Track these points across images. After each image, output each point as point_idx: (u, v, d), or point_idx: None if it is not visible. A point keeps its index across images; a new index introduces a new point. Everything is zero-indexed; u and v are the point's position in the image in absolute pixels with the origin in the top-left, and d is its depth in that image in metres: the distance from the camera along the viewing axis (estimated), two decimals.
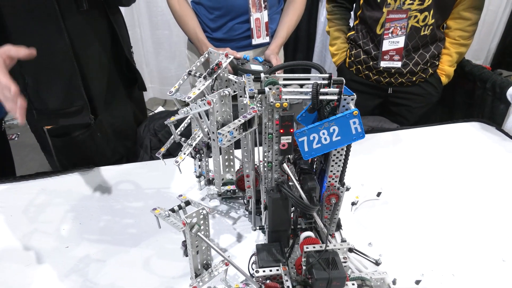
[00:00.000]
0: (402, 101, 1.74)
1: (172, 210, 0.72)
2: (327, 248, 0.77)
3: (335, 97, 0.74)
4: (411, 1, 1.51)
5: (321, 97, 0.74)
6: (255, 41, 1.55)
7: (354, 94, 0.75)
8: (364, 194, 1.14)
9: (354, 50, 1.73)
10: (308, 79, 0.78)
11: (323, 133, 0.75)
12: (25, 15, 1.06)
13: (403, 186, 1.19)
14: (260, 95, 0.73)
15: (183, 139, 0.95)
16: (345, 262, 0.78)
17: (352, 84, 1.76)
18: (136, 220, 1.08)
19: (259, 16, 1.51)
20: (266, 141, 0.79)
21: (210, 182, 1.13)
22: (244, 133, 0.68)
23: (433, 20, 1.54)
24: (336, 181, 0.86)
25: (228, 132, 0.65)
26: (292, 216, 0.90)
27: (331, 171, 0.84)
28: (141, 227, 1.05)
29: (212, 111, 0.63)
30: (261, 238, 1.01)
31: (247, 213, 1.09)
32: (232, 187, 1.11)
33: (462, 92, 1.86)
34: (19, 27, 1.07)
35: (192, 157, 1.01)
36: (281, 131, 0.73)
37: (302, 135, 0.74)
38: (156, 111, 1.69)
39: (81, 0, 1.12)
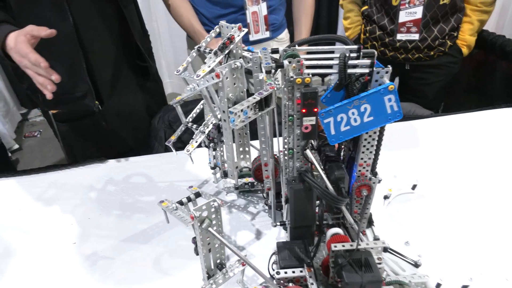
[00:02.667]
0: (420, 74, 1.66)
1: (180, 203, 0.64)
2: (359, 247, 0.67)
3: (366, 70, 0.63)
4: None
5: (349, 70, 0.63)
6: (252, 37, 1.43)
7: (389, 66, 0.63)
8: (398, 187, 1.02)
9: (368, 26, 1.64)
10: (333, 52, 0.67)
11: (353, 113, 0.64)
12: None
13: (441, 178, 1.06)
14: (278, 70, 0.63)
15: (194, 126, 0.86)
16: (379, 263, 0.68)
17: None
18: (148, 215, 1.00)
19: (256, 10, 1.40)
20: (286, 125, 0.69)
21: (226, 174, 1.04)
22: (260, 113, 0.58)
23: None
24: (367, 170, 0.75)
25: (242, 111, 0.56)
26: (317, 210, 0.79)
27: (362, 158, 0.73)
28: (153, 222, 0.98)
29: (222, 86, 0.54)
30: (283, 235, 0.91)
31: (266, 207, 0.99)
32: (250, 179, 1.02)
33: (501, 75, 1.71)
34: (21, 5, 1.03)
35: (205, 146, 0.93)
36: (303, 111, 0.63)
37: (327, 115, 0.64)
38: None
39: None
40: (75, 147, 1.34)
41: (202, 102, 0.88)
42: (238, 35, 0.70)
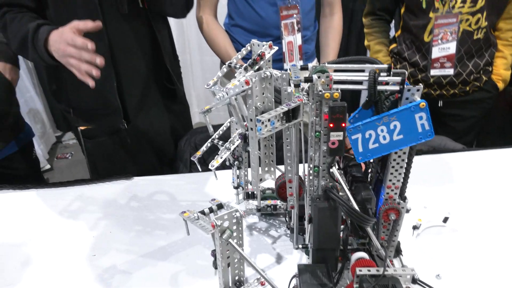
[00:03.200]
0: (454, 111, 1.62)
1: (203, 213, 0.63)
2: (386, 272, 0.63)
3: (397, 88, 0.62)
4: (462, 4, 1.40)
5: (379, 87, 0.63)
6: (286, 65, 1.46)
7: (421, 84, 0.62)
8: (428, 219, 0.97)
9: (399, 64, 1.62)
10: (363, 71, 0.67)
11: (382, 130, 0.63)
12: (68, 14, 1.07)
13: (475, 213, 1.00)
14: (307, 85, 0.63)
15: (220, 142, 0.87)
16: None
17: None
18: (168, 232, 0.99)
19: (291, 39, 1.44)
20: (313, 143, 0.68)
21: (249, 196, 1.03)
22: (287, 125, 0.58)
23: (486, 23, 1.44)
24: (395, 194, 0.72)
25: (269, 120, 0.56)
26: (341, 234, 0.76)
27: (390, 180, 0.70)
28: (172, 240, 0.96)
29: (250, 94, 0.54)
30: (304, 260, 0.88)
31: (288, 231, 0.96)
32: (273, 201, 1.00)
33: None
34: (59, 23, 1.10)
35: (230, 164, 0.92)
36: (331, 125, 0.62)
37: (356, 131, 0.63)
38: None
39: (122, 2, 1.12)
40: (100, 165, 1.37)
41: (229, 119, 0.88)
42: (269, 52, 0.72)
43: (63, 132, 3.49)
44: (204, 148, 0.87)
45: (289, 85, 0.64)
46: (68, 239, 0.99)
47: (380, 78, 0.62)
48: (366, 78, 0.62)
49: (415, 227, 0.92)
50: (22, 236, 1.00)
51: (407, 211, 0.97)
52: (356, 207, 0.67)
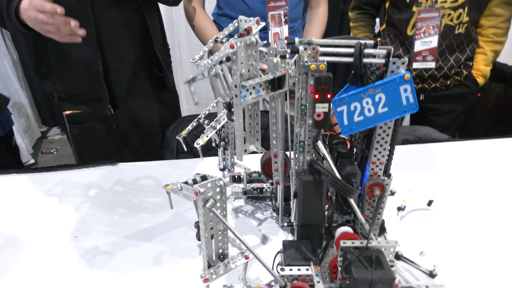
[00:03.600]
0: (435, 105, 1.65)
1: (186, 183, 0.62)
2: (370, 244, 0.63)
3: (382, 61, 0.63)
4: None
5: (365, 60, 0.63)
6: None
7: (406, 58, 0.63)
8: (412, 201, 0.98)
9: None
10: (350, 46, 0.67)
11: (367, 102, 0.63)
12: None
13: (459, 198, 1.02)
14: (295, 56, 0.63)
15: (206, 121, 0.86)
16: (392, 265, 0.63)
17: None
18: (152, 215, 0.98)
19: (278, 31, 1.44)
20: (299, 116, 0.68)
21: (235, 179, 1.02)
22: (272, 93, 0.58)
23: (467, 18, 1.47)
24: (380, 169, 0.72)
25: (254, 88, 0.55)
26: (326, 212, 0.76)
27: (375, 155, 0.70)
28: (156, 222, 0.95)
29: (235, 59, 0.54)
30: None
31: (274, 214, 0.96)
32: (259, 184, 1.00)
33: None
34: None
35: (215, 145, 0.92)
36: (316, 96, 0.62)
37: (341, 103, 0.63)
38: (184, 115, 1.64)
39: None
40: (85, 151, 1.36)
41: (216, 99, 0.88)
42: (256, 28, 0.71)
43: (49, 127, 3.43)
44: (189, 127, 0.86)
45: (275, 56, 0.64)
46: (49, 222, 0.96)
47: (366, 51, 0.62)
48: (352, 51, 0.62)
49: (399, 208, 0.92)
50: (2, 220, 0.98)
51: (392, 193, 0.99)
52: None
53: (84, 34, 0.97)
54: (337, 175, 0.67)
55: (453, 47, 1.54)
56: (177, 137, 0.85)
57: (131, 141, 1.39)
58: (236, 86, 0.55)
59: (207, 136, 0.81)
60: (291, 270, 0.67)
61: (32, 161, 2.97)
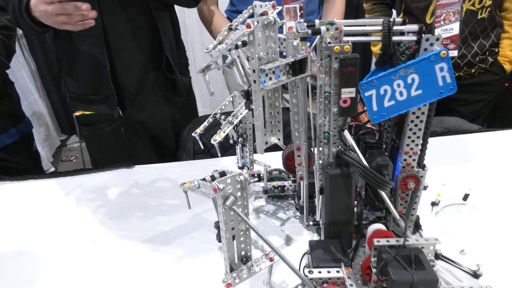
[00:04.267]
0: (460, 95, 1.54)
1: (204, 180, 0.58)
2: (407, 242, 0.57)
3: (414, 38, 0.57)
4: None
5: (394, 37, 0.57)
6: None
7: (441, 34, 0.57)
8: (446, 196, 0.91)
9: None
10: (375, 25, 0.62)
11: (398, 85, 0.57)
12: None
13: (496, 191, 0.94)
14: (317, 38, 0.58)
15: (223, 117, 0.82)
16: (433, 265, 0.57)
17: None
18: (170, 217, 0.94)
19: (293, 25, 1.38)
20: (322, 105, 0.63)
21: (255, 177, 0.97)
22: (293, 78, 0.53)
23: (490, 1, 1.38)
24: (414, 160, 0.66)
25: (273, 72, 0.50)
26: (355, 209, 0.71)
27: (408, 145, 0.64)
28: (175, 225, 0.91)
29: (252, 40, 0.49)
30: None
31: (298, 214, 0.91)
32: (281, 183, 0.94)
33: None
34: None
35: (233, 142, 0.87)
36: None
37: (369, 87, 0.57)
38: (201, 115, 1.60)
39: None
40: (97, 153, 1.34)
41: (232, 94, 0.83)
42: (272, 12, 0.67)
43: (68, 135, 3.47)
44: (206, 123, 0.82)
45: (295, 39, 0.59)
46: (66, 228, 0.94)
47: (395, 27, 0.57)
48: (380, 28, 0.57)
49: (434, 204, 0.86)
50: (21, 226, 0.96)
51: (425, 188, 0.91)
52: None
53: (95, 15, 0.96)
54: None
55: (477, 33, 1.46)
56: (193, 134, 0.81)
57: (142, 143, 1.35)
58: (254, 71, 0.50)
59: (224, 132, 0.77)
60: (320, 272, 0.61)
61: (53, 169, 3.00)
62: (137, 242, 0.87)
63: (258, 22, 0.49)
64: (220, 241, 0.57)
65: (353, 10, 2.76)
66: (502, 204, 0.89)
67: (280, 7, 0.67)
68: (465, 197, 0.91)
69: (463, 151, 1.14)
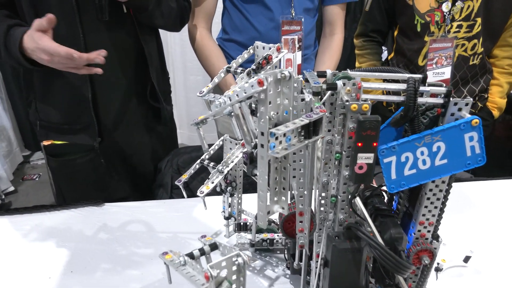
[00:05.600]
0: None
1: (191, 256, 0.48)
2: None
3: (441, 101, 0.50)
4: (458, 29, 1.35)
5: (420, 99, 0.50)
6: None
7: (470, 99, 0.51)
8: (448, 258, 0.84)
9: None
10: (397, 81, 0.55)
11: (422, 153, 0.50)
12: (44, 11, 0.94)
13: (499, 252, 0.89)
14: (328, 93, 0.50)
15: (211, 164, 0.72)
16: None
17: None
18: (143, 272, 0.82)
19: (291, 57, 1.33)
20: (331, 165, 0.55)
21: (241, 227, 0.87)
22: (306, 142, 0.44)
23: (482, 49, 1.39)
24: (429, 231, 0.59)
25: (284, 135, 0.42)
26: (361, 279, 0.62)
27: (424, 215, 0.57)
28: (148, 282, 0.79)
29: (264, 99, 0.40)
30: None
31: (288, 272, 0.81)
32: (270, 235, 0.85)
33: None
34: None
35: (221, 190, 0.78)
36: (359, 144, 0.49)
37: (389, 153, 0.50)
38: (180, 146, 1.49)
39: (102, 9, 0.99)
40: (66, 187, 1.20)
41: (222, 137, 0.74)
42: (276, 56, 0.59)
43: (32, 151, 3.24)
44: (191, 170, 0.72)
45: (301, 93, 0.51)
46: (18, 281, 0.80)
47: (421, 88, 0.50)
48: (403, 87, 0.50)
49: (437, 269, 0.78)
50: None
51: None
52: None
53: (103, 62, 0.90)
54: (380, 241, 0.53)
55: (467, 79, 1.46)
56: (176, 183, 0.71)
57: (118, 176, 1.23)
58: (262, 134, 0.41)
59: (212, 183, 0.67)
60: None
61: (12, 188, 2.76)
62: None
63: (271, 76, 0.41)
64: None
65: (348, 45, 2.76)
66: (505, 267, 0.84)
67: (285, 51, 0.60)
68: (466, 259, 0.85)
69: (458, 201, 1.09)
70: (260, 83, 0.40)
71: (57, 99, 1.11)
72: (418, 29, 1.40)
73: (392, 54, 1.55)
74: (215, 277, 0.41)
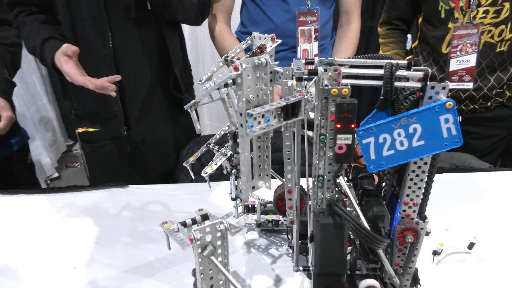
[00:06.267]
0: (474, 128, 1.49)
1: (184, 224, 0.54)
2: None
3: (418, 85, 0.53)
4: (484, 14, 1.30)
5: (397, 83, 0.53)
6: None
7: (447, 81, 0.53)
8: (450, 244, 0.85)
9: None
10: (379, 67, 0.58)
11: (399, 134, 0.53)
12: (73, 18, 1.05)
13: (505, 239, 0.88)
14: (314, 78, 0.54)
15: (216, 147, 0.78)
16: None
17: None
18: (158, 246, 0.90)
19: (307, 47, 1.35)
20: (317, 148, 0.59)
21: (249, 209, 0.93)
22: (284, 123, 0.49)
23: (510, 35, 1.34)
24: (414, 211, 0.61)
25: (263, 116, 0.47)
26: (349, 257, 0.66)
27: (408, 195, 0.60)
28: (162, 255, 0.87)
29: (240, 83, 0.45)
30: (307, 285, 0.77)
31: (290, 251, 0.86)
32: (275, 216, 0.90)
33: None
34: (64, 23, 1.09)
35: (227, 172, 0.84)
36: (338, 126, 0.53)
37: (367, 134, 0.53)
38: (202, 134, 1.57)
39: (129, 6, 1.08)
40: (98, 170, 1.32)
41: (228, 124, 0.80)
42: (271, 46, 0.64)
43: (74, 141, 3.48)
44: (198, 153, 0.79)
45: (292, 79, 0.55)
46: (49, 250, 0.90)
47: (398, 73, 0.53)
48: (382, 72, 0.53)
49: (435, 253, 0.80)
50: (5, 242, 0.93)
51: (427, 233, 0.86)
52: (367, 225, 0.56)
53: (114, 93, 1.04)
54: (362, 218, 0.57)
55: (494, 66, 1.41)
56: (184, 164, 0.78)
57: (144, 162, 1.33)
58: (241, 114, 0.46)
59: (216, 164, 0.73)
60: None
61: (56, 174, 3.00)
62: (120, 272, 0.83)
63: (248, 63, 0.46)
64: None
65: (365, 33, 2.73)
66: (509, 255, 0.83)
67: (279, 40, 0.64)
68: (471, 245, 0.85)
69: (471, 191, 1.08)
70: (236, 68, 0.45)
71: (88, 91, 1.22)
72: (442, 16, 1.37)
73: (416, 42, 1.53)
74: (198, 239, 0.47)
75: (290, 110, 0.49)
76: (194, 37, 2.92)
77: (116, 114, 1.22)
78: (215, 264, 0.49)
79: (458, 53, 1.43)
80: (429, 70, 0.54)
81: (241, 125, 0.47)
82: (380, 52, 1.63)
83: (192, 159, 0.79)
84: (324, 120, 0.57)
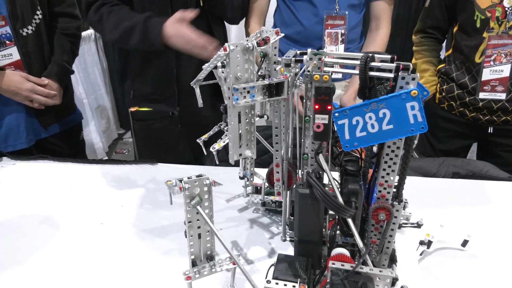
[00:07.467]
0: (505, 140, 1.45)
1: (181, 180, 0.64)
2: (360, 270, 0.59)
3: (390, 75, 0.59)
4: None
5: (371, 73, 0.60)
6: None
7: (417, 74, 0.59)
8: (442, 238, 0.88)
9: (446, 85, 1.51)
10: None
11: (370, 118, 0.60)
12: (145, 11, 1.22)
13: (503, 242, 0.89)
14: (304, 66, 0.63)
15: (226, 127, 0.88)
16: None
17: (442, 123, 1.56)
18: (173, 213, 1.02)
19: (333, 49, 1.40)
20: (304, 128, 0.67)
21: (257, 190, 1.02)
22: (267, 99, 0.58)
23: None
24: (388, 193, 0.67)
25: (248, 92, 0.56)
26: (330, 231, 0.73)
27: (383, 177, 0.66)
28: (175, 221, 0.99)
29: (228, 62, 0.55)
30: None
31: (288, 230, 0.94)
32: (278, 198, 0.98)
33: None
34: (139, 10, 1.25)
35: None
36: (316, 107, 0.61)
37: (342, 116, 0.61)
38: None
39: (188, 3, 1.25)
40: (144, 147, 1.46)
41: None
42: (274, 39, 0.73)
43: (126, 130, 3.77)
44: (211, 132, 0.89)
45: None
46: (84, 208, 1.06)
47: (373, 64, 0.60)
48: (358, 63, 0.60)
49: (422, 243, 0.84)
50: (48, 199, 1.10)
51: (419, 226, 0.90)
52: (340, 198, 0.64)
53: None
54: (338, 194, 0.64)
55: None
56: (197, 140, 0.89)
57: (185, 142, 1.46)
58: (229, 89, 0.56)
59: (223, 142, 0.83)
60: (277, 284, 0.64)
61: (106, 158, 3.28)
62: (138, 231, 0.96)
63: (237, 46, 0.56)
64: (186, 236, 0.63)
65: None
66: (506, 256, 0.85)
67: (282, 34, 0.73)
68: (464, 243, 0.87)
69: (482, 197, 1.09)
70: (224, 49, 0.55)
71: (150, 74, 1.36)
72: (478, 25, 1.37)
73: (450, 51, 1.53)
74: (186, 189, 0.57)
75: (273, 89, 0.58)
76: (242, 34, 3.07)
77: (171, 96, 1.36)
78: (200, 213, 0.59)
79: (491, 62, 1.42)
80: (410, 65, 0.60)
81: (229, 98, 0.57)
82: (413, 61, 1.65)
83: (205, 136, 0.90)
84: (309, 102, 0.65)
